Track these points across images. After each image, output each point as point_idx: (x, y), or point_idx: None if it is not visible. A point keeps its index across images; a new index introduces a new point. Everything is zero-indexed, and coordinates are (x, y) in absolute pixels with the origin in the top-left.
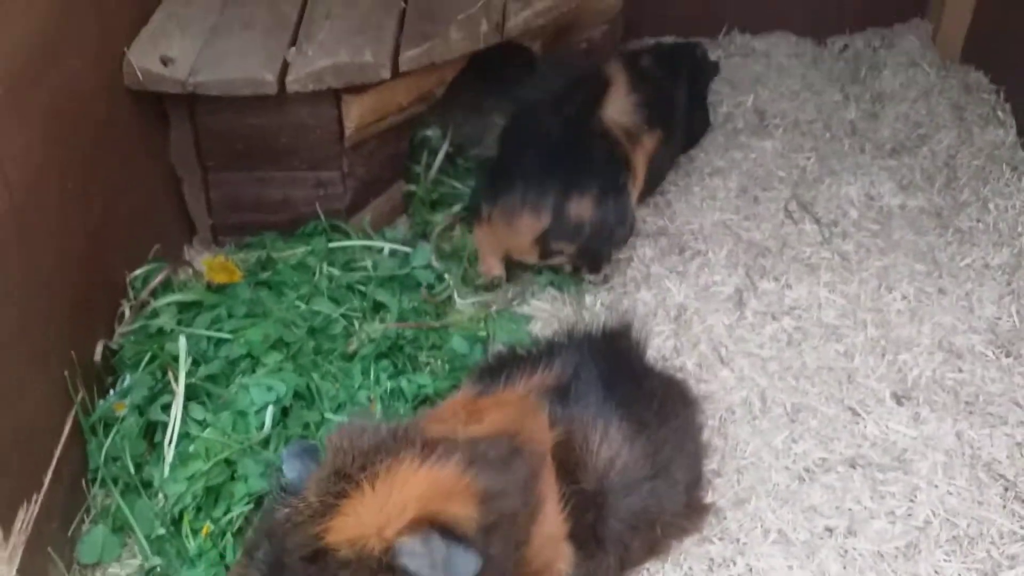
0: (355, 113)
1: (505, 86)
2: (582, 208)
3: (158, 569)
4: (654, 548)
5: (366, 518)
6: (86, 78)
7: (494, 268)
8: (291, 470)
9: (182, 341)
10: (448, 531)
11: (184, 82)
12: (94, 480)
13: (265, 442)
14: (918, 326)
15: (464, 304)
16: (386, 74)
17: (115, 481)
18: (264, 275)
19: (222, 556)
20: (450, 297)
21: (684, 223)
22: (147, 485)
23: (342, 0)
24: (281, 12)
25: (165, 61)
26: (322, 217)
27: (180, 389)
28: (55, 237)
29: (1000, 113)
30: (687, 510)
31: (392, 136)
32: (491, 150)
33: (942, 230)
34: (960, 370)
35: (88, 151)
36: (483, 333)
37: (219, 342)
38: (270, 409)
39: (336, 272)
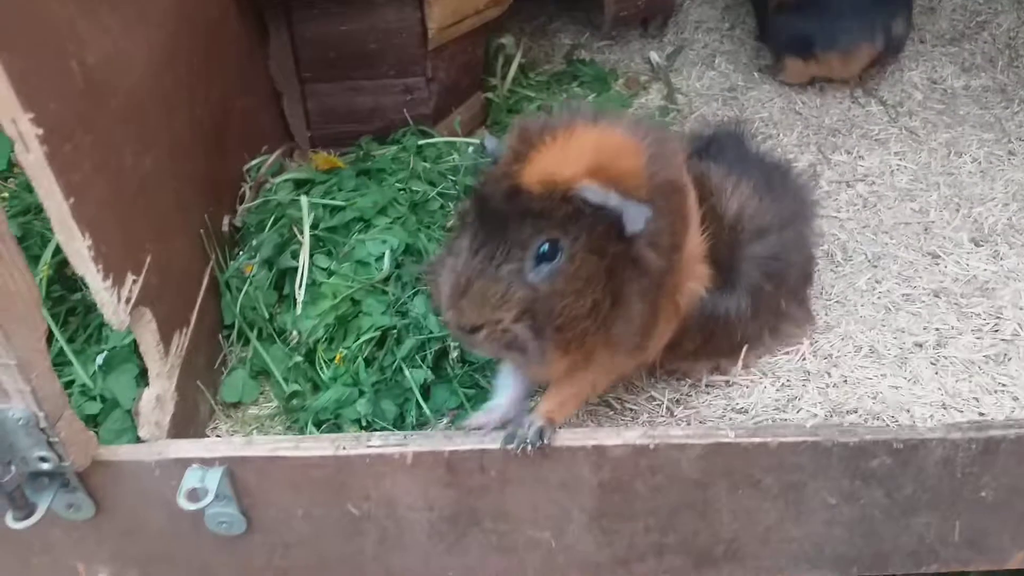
0: (436, 14)
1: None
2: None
3: (295, 400)
4: (778, 313)
5: (551, 163)
6: None
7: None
8: (491, 144)
9: (304, 199)
10: (622, 188)
11: None
12: (228, 336)
13: (385, 282)
14: (990, 183)
15: None
16: None
17: (251, 326)
18: (365, 165)
19: (355, 380)
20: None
21: (754, 112)
22: (280, 333)
23: None
24: None
25: None
26: (410, 122)
27: (306, 238)
28: (187, 104)
29: None
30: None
31: (469, 42)
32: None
33: (1008, 103)
34: None
35: (204, 46)
36: None
37: (333, 210)
38: (388, 253)
39: (427, 166)
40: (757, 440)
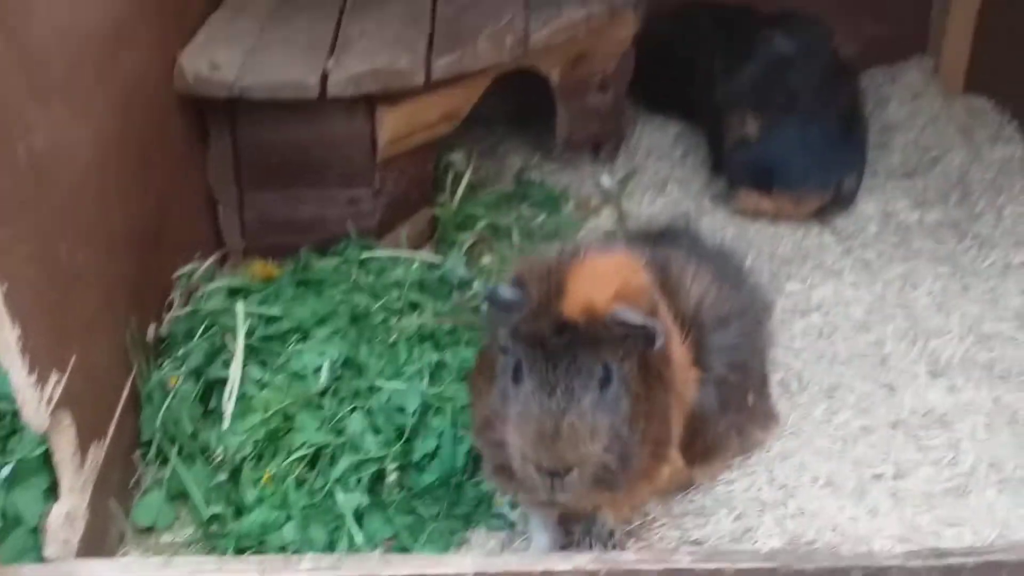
0: (388, 125)
1: (523, 123)
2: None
3: (215, 525)
4: (744, 409)
5: (586, 292)
6: (142, 81)
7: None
8: (508, 292)
9: (239, 305)
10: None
11: (231, 85)
12: (145, 454)
13: (321, 396)
14: (946, 317)
15: None
16: (420, 80)
17: (172, 442)
18: (304, 275)
19: (283, 502)
20: (479, 306)
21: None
22: (203, 451)
23: (374, 21)
24: (317, 31)
25: (213, 67)
26: (353, 235)
27: (239, 346)
28: (123, 204)
29: (1007, 131)
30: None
31: (420, 156)
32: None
33: (960, 237)
34: (992, 350)
35: (145, 146)
36: None
37: (269, 320)
38: (326, 365)
39: (370, 279)
40: (713, 566)
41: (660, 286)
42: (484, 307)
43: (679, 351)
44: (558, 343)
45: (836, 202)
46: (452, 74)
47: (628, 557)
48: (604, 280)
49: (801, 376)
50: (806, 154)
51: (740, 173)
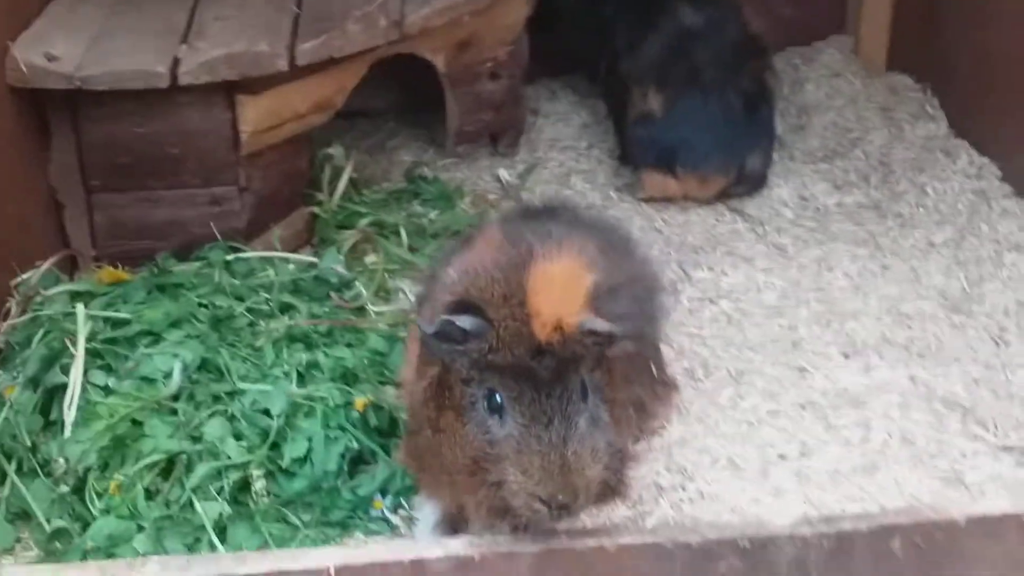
0: (251, 116)
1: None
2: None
3: (59, 542)
4: (645, 382)
5: (554, 311)
6: None
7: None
8: (468, 322)
9: (80, 308)
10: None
11: (71, 76)
12: None
13: (175, 401)
14: (863, 298)
15: (378, 315)
16: (283, 65)
17: (9, 457)
18: (159, 279)
19: (132, 512)
20: (362, 307)
21: None
22: (44, 464)
23: (234, 6)
24: (169, 19)
25: (50, 58)
26: (219, 237)
27: (80, 349)
28: None
29: (929, 108)
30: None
31: (291, 149)
32: None
33: (881, 219)
34: (910, 328)
35: None
36: (403, 334)
37: (116, 323)
38: (178, 366)
39: (236, 282)
40: (593, 543)
41: None
42: (430, 341)
43: None
44: (539, 369)
45: (742, 182)
46: (320, 59)
47: (503, 540)
48: (564, 293)
49: (707, 363)
50: (709, 131)
51: (642, 151)
